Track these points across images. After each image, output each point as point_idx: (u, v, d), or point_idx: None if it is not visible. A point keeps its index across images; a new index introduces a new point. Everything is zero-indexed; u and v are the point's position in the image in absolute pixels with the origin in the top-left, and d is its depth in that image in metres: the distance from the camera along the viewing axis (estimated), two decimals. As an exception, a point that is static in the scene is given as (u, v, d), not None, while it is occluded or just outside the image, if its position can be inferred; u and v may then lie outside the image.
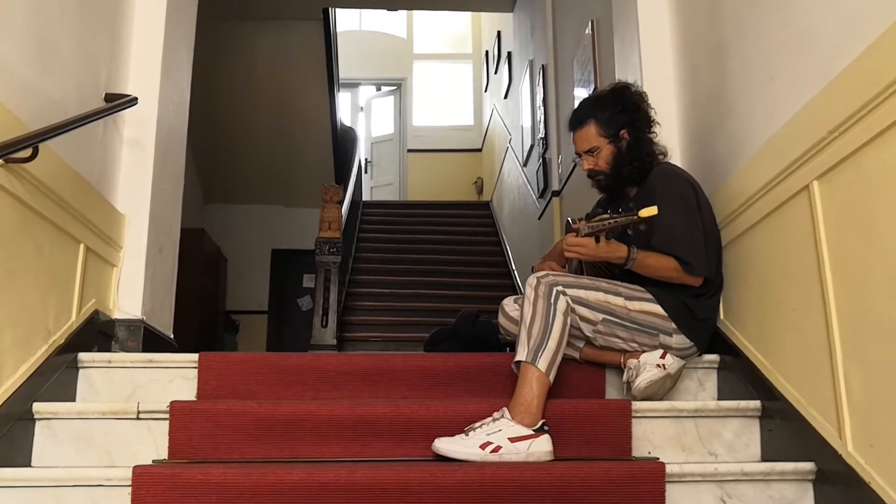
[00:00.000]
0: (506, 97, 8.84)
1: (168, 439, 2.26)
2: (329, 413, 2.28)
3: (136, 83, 3.07)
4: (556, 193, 5.61)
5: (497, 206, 9.40)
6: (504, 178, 8.82)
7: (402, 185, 11.88)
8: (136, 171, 3.03)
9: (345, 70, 9.85)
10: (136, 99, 2.85)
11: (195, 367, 2.59)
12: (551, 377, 2.30)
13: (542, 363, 2.29)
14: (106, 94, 2.82)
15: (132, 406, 2.28)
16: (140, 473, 1.93)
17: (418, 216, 9.36)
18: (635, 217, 2.31)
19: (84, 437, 2.26)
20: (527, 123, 6.97)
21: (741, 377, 2.53)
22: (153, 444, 2.27)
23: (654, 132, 2.70)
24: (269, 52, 8.18)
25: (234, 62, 8.12)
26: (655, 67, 3.18)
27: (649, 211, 2.29)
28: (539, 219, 6.22)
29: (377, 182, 12.12)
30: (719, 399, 2.65)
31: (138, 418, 2.28)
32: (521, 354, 2.32)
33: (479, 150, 11.62)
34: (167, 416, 2.27)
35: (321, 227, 5.75)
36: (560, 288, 2.42)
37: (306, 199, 8.95)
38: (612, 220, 2.34)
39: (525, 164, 7.14)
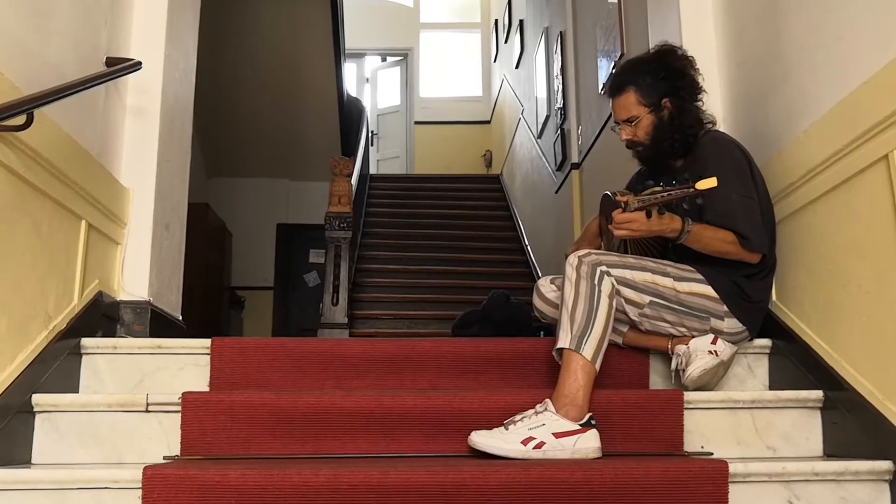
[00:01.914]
0: (517, 67, 8.59)
1: (180, 433, 2.08)
2: (354, 405, 2.09)
3: (140, 48, 2.86)
4: (576, 166, 5.39)
5: (508, 179, 9.18)
6: (516, 150, 8.59)
7: (410, 158, 11.65)
8: (141, 142, 2.82)
9: (350, 40, 9.58)
10: (139, 64, 2.63)
11: (207, 354, 2.40)
12: (597, 366, 2.11)
13: (588, 350, 2.10)
14: (107, 58, 2.60)
15: (141, 398, 2.09)
16: (151, 475, 1.74)
17: (427, 190, 9.15)
18: (692, 189, 2.10)
19: (89, 431, 2.07)
20: (542, 94, 6.73)
21: (796, 364, 2.34)
22: (164, 438, 2.08)
23: (700, 101, 2.49)
24: (273, 22, 7.92)
25: (237, 32, 7.86)
26: (696, 29, 2.95)
27: (708, 183, 2.09)
28: (556, 193, 6.00)
29: (384, 155, 11.88)
30: (771, 386, 2.47)
31: (147, 411, 2.09)
32: (564, 341, 2.12)
33: (489, 121, 11.36)
34: (179, 408, 2.09)
35: (331, 201, 5.54)
36: (604, 268, 2.23)
37: (312, 172, 8.74)
38: (665, 194, 2.13)
39: (540, 136, 6.91)
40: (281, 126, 8.74)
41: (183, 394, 2.10)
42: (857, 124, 1.98)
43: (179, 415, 2.08)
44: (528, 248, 7.37)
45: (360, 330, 5.64)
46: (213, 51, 7.47)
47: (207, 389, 2.37)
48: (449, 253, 7.15)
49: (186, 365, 2.40)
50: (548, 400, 2.06)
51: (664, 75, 2.45)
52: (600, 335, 2.13)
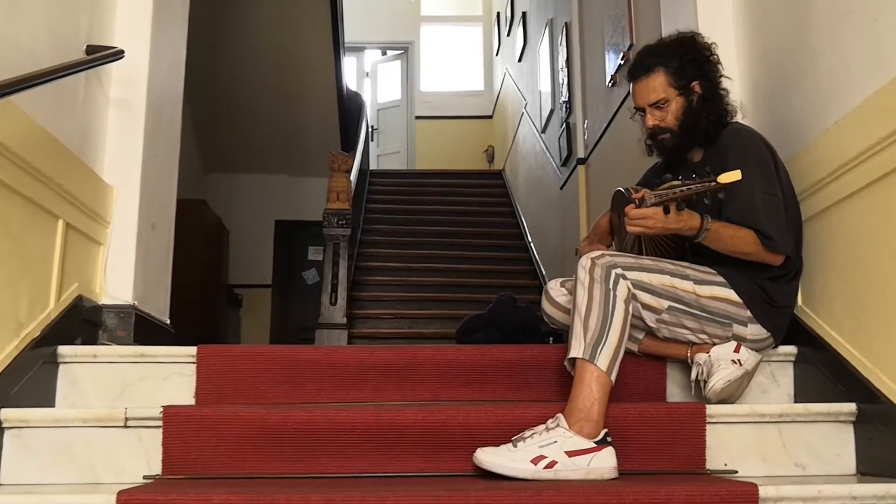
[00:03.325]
0: (520, 60, 8.41)
1: (161, 451, 1.92)
2: (350, 420, 1.93)
3: (124, 36, 2.69)
4: (582, 161, 5.22)
5: (511, 174, 9.01)
6: (518, 145, 8.42)
7: (410, 153, 11.47)
8: (125, 136, 2.66)
9: (350, 33, 9.41)
10: (122, 52, 2.47)
11: (193, 363, 2.24)
12: (613, 377, 1.95)
13: (603, 361, 1.94)
14: (87, 45, 2.44)
15: (119, 412, 1.93)
16: (126, 501, 1.58)
17: (428, 185, 8.99)
18: (714, 183, 1.93)
19: (62, 448, 1.91)
20: (546, 87, 6.56)
21: (825, 373, 2.18)
22: (144, 456, 1.92)
23: (724, 88, 2.33)
24: (272, 14, 7.76)
25: (236, 25, 7.70)
26: (714, 15, 2.79)
27: (731, 176, 1.92)
28: (561, 188, 5.83)
29: (384, 150, 11.71)
30: (796, 397, 2.31)
31: (126, 426, 1.93)
32: (577, 350, 1.96)
33: (490, 116, 11.19)
34: (160, 423, 1.93)
35: (329, 197, 5.38)
36: (619, 270, 2.06)
37: (311, 167, 8.57)
38: (685, 188, 1.96)
39: (544, 131, 6.74)
40: (279, 121, 8.58)
41: (164, 408, 1.94)
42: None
43: (161, 430, 1.93)
44: (532, 245, 7.21)
45: (359, 330, 5.48)
46: (211, 44, 7.32)
47: (193, 401, 2.22)
48: (451, 250, 6.99)
49: (171, 374, 2.25)
50: (560, 415, 1.90)
51: (692, 58, 2.29)
52: (616, 344, 1.97)
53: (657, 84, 2.26)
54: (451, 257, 6.83)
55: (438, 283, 6.36)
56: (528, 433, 1.88)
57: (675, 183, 1.99)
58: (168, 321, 2.93)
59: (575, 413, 1.88)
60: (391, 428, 1.92)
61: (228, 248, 8.44)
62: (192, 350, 2.24)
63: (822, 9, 2.20)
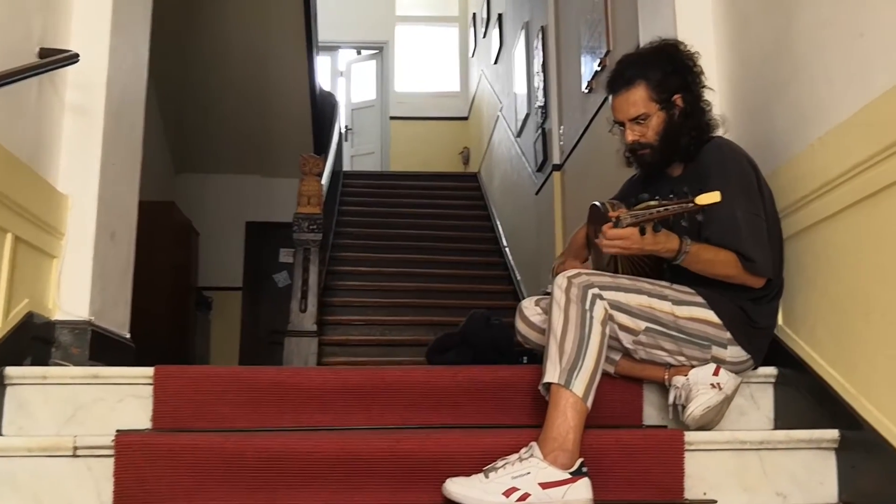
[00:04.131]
0: (496, 62, 8.34)
1: (113, 482, 1.81)
2: (314, 448, 1.84)
3: (81, 39, 2.57)
4: (558, 167, 5.15)
5: (486, 178, 8.93)
6: (494, 148, 8.34)
7: (385, 154, 11.35)
8: (81, 143, 2.54)
9: (323, 32, 9.27)
10: (76, 56, 2.35)
11: (150, 384, 2.13)
12: (589, 403, 1.87)
13: (579, 386, 1.86)
14: (41, 49, 2.32)
15: (67, 441, 1.82)
16: (69, 542, 1.48)
17: (402, 187, 8.88)
18: (691, 205, 1.86)
19: (5, 478, 1.80)
20: (521, 91, 6.48)
21: (806, 396, 2.12)
22: (94, 487, 1.81)
23: (706, 100, 2.25)
24: (243, 13, 7.62)
25: (206, 23, 7.55)
26: (693, 23, 2.72)
27: (710, 198, 1.85)
28: (537, 194, 5.76)
29: (358, 151, 11.57)
30: (776, 419, 2.25)
31: (75, 455, 1.82)
32: (552, 375, 1.88)
33: (466, 118, 11.10)
34: (112, 452, 1.82)
35: (300, 201, 5.27)
36: (596, 290, 1.98)
37: (283, 168, 8.42)
38: (661, 208, 1.89)
39: (519, 135, 6.66)
40: (251, 120, 8.44)
41: (116, 436, 1.83)
42: (884, 133, 1.76)
43: (112, 460, 1.82)
44: (507, 249, 7.13)
45: (330, 337, 5.38)
46: (181, 42, 7.16)
47: (150, 424, 2.11)
48: (425, 254, 6.89)
49: (127, 396, 2.13)
50: (534, 443, 1.81)
51: (673, 69, 2.20)
52: (592, 368, 1.89)
53: (638, 98, 2.17)
54: (425, 261, 6.74)
55: (412, 289, 6.27)
56: (500, 463, 1.80)
57: (652, 203, 1.91)
58: (128, 335, 2.81)
59: (549, 442, 1.80)
60: (357, 457, 1.83)
61: (198, 250, 8.29)
62: (149, 371, 2.13)
63: (804, 19, 2.14)
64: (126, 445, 1.82)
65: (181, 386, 2.12)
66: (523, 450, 1.81)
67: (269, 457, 1.83)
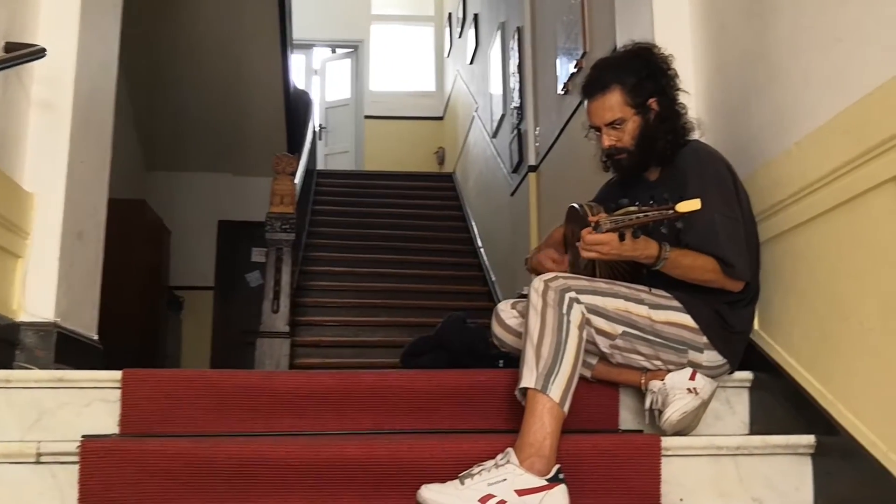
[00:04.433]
0: (471, 63, 8.31)
1: (78, 489, 1.76)
2: (286, 454, 1.80)
3: (49, 33, 2.51)
4: (533, 169, 5.14)
5: (461, 178, 8.91)
6: (469, 149, 8.32)
7: (359, 153, 11.28)
8: (48, 140, 2.48)
9: (298, 30, 9.20)
10: (43, 50, 2.28)
11: (118, 388, 2.08)
12: (566, 408, 1.85)
13: (556, 391, 1.83)
14: (6, 43, 2.26)
15: (30, 447, 1.77)
16: (31, 553, 1.43)
17: (377, 187, 8.82)
18: (672, 212, 1.84)
19: (-34, 487, 1.74)
20: (497, 91, 6.47)
21: (781, 401, 2.12)
22: (59, 495, 1.77)
23: (682, 104, 2.24)
24: (217, 9, 7.54)
25: (179, 19, 7.46)
26: (671, 26, 2.71)
27: (690, 205, 1.83)
28: (512, 195, 5.75)
29: (332, 150, 11.49)
30: (752, 424, 2.24)
31: (39, 462, 1.77)
32: (529, 380, 1.86)
33: (441, 118, 11.06)
34: (77, 458, 1.77)
35: (272, 200, 5.20)
36: (573, 294, 1.96)
37: (256, 166, 8.32)
38: (641, 215, 1.87)
39: (494, 136, 6.64)
40: (223, 118, 8.35)
41: (82, 442, 1.78)
42: (862, 139, 1.75)
43: (78, 466, 1.77)
44: (482, 250, 7.11)
45: (302, 338, 5.32)
46: (153, 38, 7.06)
47: (118, 429, 2.06)
48: (399, 255, 6.85)
49: (94, 401, 2.08)
50: (510, 449, 1.79)
51: (648, 73, 2.19)
52: (569, 373, 1.87)
53: (613, 103, 2.16)
54: (400, 262, 6.70)
55: (385, 289, 6.23)
56: (476, 469, 1.77)
57: (632, 209, 1.89)
58: (96, 337, 2.75)
59: (526, 448, 1.78)
60: (330, 464, 1.80)
61: (170, 249, 8.19)
62: (117, 374, 2.08)
63: (782, 23, 2.14)
64: (92, 452, 1.77)
65: (150, 390, 2.07)
66: (499, 456, 1.78)
67: (239, 463, 1.78)
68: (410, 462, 1.81)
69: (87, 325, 2.69)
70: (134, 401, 2.06)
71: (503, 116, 6.21)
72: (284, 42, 7.74)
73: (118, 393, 2.08)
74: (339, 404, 2.10)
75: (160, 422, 2.05)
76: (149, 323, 7.13)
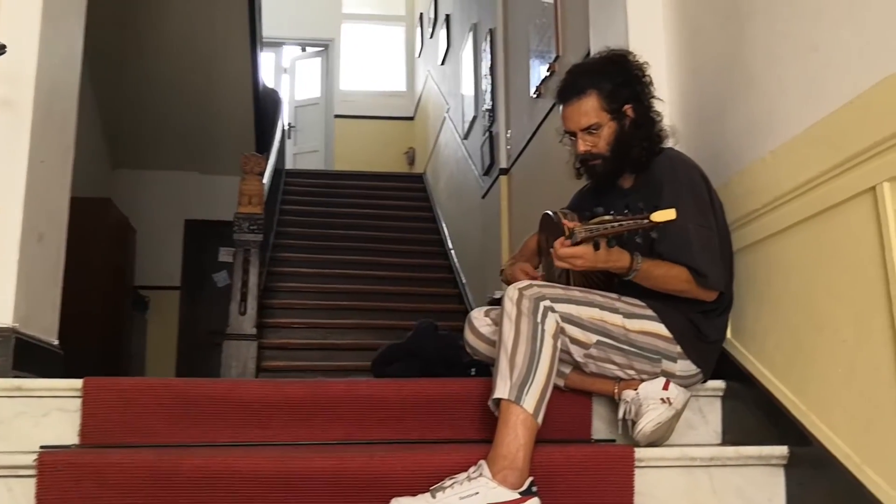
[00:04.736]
0: (443, 63, 8.28)
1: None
2: (253, 467, 1.75)
3: (9, 29, 2.42)
4: (505, 171, 5.11)
5: (432, 179, 8.87)
6: (440, 150, 8.28)
7: (329, 152, 11.20)
8: (7, 139, 2.40)
9: (268, 28, 9.11)
10: (3, 47, 2.21)
11: (78, 397, 2.01)
12: (540, 419, 1.82)
13: (529, 402, 1.80)
14: (-36, 39, 2.18)
15: (-15, 460, 1.70)
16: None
17: (346, 187, 8.75)
18: (647, 221, 1.82)
19: (-83, 501, 1.67)
20: (468, 93, 6.44)
21: (754, 410, 2.11)
22: (14, 510, 1.70)
23: (656, 111, 2.23)
24: (186, 5, 7.43)
25: (147, 14, 7.35)
26: (645, 31, 2.70)
27: (665, 215, 1.81)
28: (483, 198, 5.72)
29: (301, 149, 11.39)
30: (724, 433, 2.23)
31: (-6, 475, 1.71)
32: (502, 390, 1.82)
33: (412, 118, 11.01)
34: (34, 472, 1.70)
35: (240, 201, 5.14)
36: (548, 303, 1.94)
37: (224, 165, 8.23)
38: (616, 223, 1.84)
39: (466, 137, 6.61)
40: (192, 115, 8.24)
41: (39, 454, 1.72)
42: (838, 149, 1.74)
43: (35, 480, 1.70)
44: (452, 252, 7.08)
45: (270, 340, 5.25)
46: (121, 33, 6.95)
47: (78, 440, 1.99)
48: (368, 256, 6.79)
49: (52, 410, 2.01)
50: (483, 462, 1.75)
51: (623, 80, 2.18)
52: (544, 383, 1.84)
53: (589, 108, 2.14)
54: (369, 263, 6.64)
55: (354, 291, 6.18)
56: (448, 482, 1.74)
57: (607, 218, 1.87)
58: (56, 342, 2.67)
59: (499, 460, 1.75)
60: (299, 477, 1.75)
61: (135, 249, 8.06)
62: (77, 383, 2.02)
63: (758, 30, 2.13)
64: (50, 464, 1.71)
65: (112, 399, 2.01)
66: (472, 469, 1.75)
67: (205, 476, 1.73)
68: (382, 474, 1.77)
69: (46, 330, 2.61)
70: (95, 410, 2.00)
71: (475, 118, 6.18)
72: (254, 40, 7.66)
73: (78, 402, 2.01)
74: (309, 414, 2.05)
75: (122, 432, 1.99)
76: (113, 323, 7.01)
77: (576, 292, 2.02)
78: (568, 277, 2.21)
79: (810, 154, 1.84)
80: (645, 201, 1.88)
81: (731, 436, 2.20)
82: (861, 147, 1.66)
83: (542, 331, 1.89)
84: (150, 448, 1.91)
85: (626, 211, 1.85)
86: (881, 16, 1.64)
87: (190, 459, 1.76)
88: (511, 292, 1.95)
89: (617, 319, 2.02)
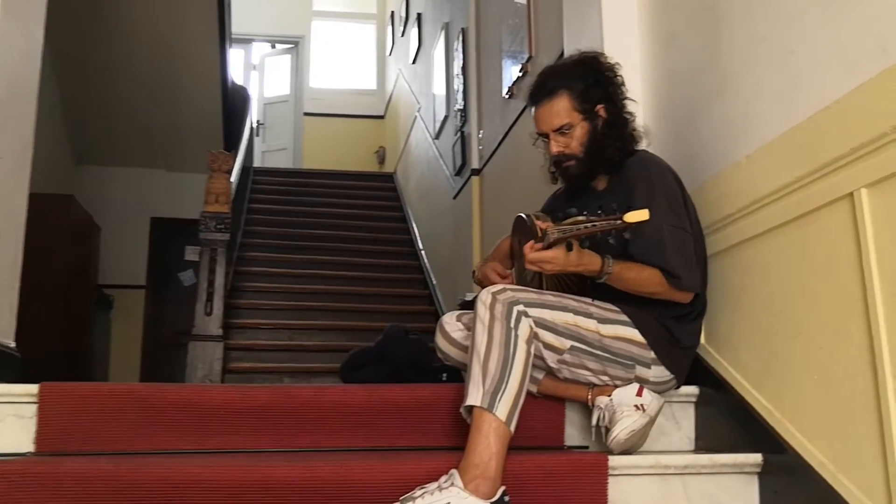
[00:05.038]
0: (414, 62, 8.23)
1: (-14, 515, 1.62)
2: (217, 477, 1.68)
3: (-34, 19, 2.34)
4: (476, 172, 5.08)
5: (402, 178, 8.81)
6: (411, 149, 8.23)
7: (297, 151, 11.08)
8: (-37, 135, 2.32)
9: (237, 24, 8.99)
10: (-42, 38, 2.13)
11: (34, 403, 1.94)
12: (513, 427, 1.77)
13: (502, 410, 1.76)
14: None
15: (-66, 470, 1.62)
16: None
17: (315, 186, 8.67)
18: (620, 222, 1.79)
19: None
20: (440, 92, 6.39)
21: (727, 416, 2.09)
22: (-35, 522, 1.62)
23: (629, 112, 2.21)
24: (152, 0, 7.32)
25: (113, 7, 7.21)
26: (620, 32, 2.67)
27: (639, 215, 1.78)
28: (454, 198, 5.68)
29: (269, 147, 11.27)
30: (697, 439, 2.21)
31: (-57, 486, 1.63)
32: (475, 398, 1.78)
33: (382, 116, 10.95)
34: (-14, 482, 1.63)
35: (207, 199, 5.05)
36: (521, 307, 1.90)
37: (191, 162, 8.12)
38: (589, 225, 1.82)
39: (437, 137, 6.57)
40: (158, 112, 8.11)
41: (-8, 463, 1.65)
42: (815, 154, 1.73)
43: (-13, 490, 1.63)
44: (423, 252, 7.03)
45: (236, 341, 5.17)
46: (86, 27, 6.81)
47: (33, 448, 1.92)
48: (337, 256, 6.73)
49: (7, 416, 1.94)
50: (454, 471, 1.71)
51: (595, 80, 2.16)
52: (517, 390, 1.80)
53: (561, 108, 2.12)
54: (338, 263, 6.57)
55: (322, 291, 6.11)
56: (418, 492, 1.69)
57: (580, 219, 1.84)
58: (13, 344, 2.58)
59: (471, 469, 1.70)
60: (265, 486, 1.69)
61: (99, 247, 7.91)
62: (33, 388, 1.94)
63: (735, 34, 2.11)
64: (3, 473, 1.63)
65: (70, 405, 1.94)
66: (443, 478, 1.70)
67: (166, 486, 1.66)
68: (351, 483, 1.72)
69: (3, 332, 2.52)
70: (52, 417, 1.93)
71: (446, 118, 6.14)
72: (223, 36, 7.55)
73: (34, 408, 1.94)
74: (276, 421, 2.00)
75: (81, 440, 1.92)
76: (76, 323, 6.86)
77: (550, 297, 1.99)
78: (541, 280, 2.18)
79: (787, 159, 1.83)
80: (619, 203, 1.86)
81: (704, 442, 2.18)
82: (839, 153, 1.64)
83: (516, 336, 1.85)
84: (109, 456, 1.85)
85: (599, 212, 1.82)
86: (859, 21, 1.62)
87: (151, 469, 1.69)
88: (484, 296, 1.91)
89: (591, 325, 1.99)
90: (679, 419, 2.22)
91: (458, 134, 5.53)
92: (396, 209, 8.34)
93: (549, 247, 1.89)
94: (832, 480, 1.68)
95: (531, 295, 1.95)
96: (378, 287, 6.37)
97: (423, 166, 7.41)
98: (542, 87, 2.17)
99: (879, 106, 1.54)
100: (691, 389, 2.21)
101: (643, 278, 1.98)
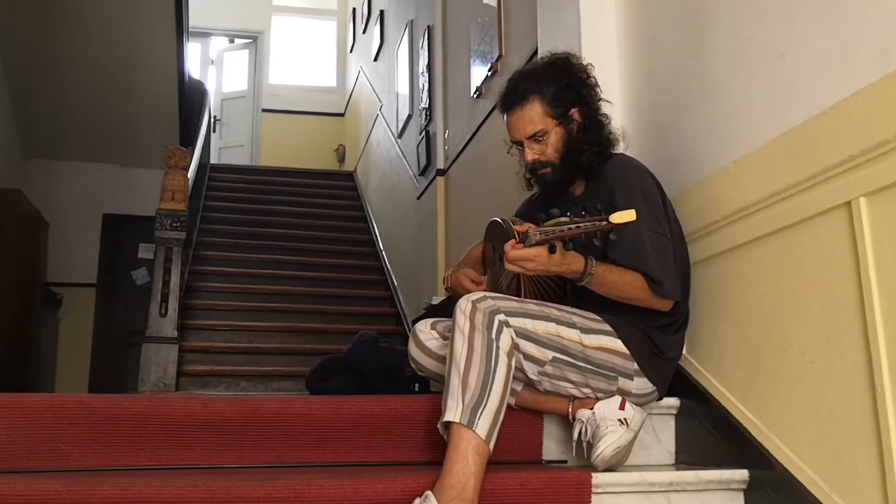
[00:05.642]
0: (376, 60, 8.10)
1: (-81, 543, 1.48)
2: (174, 497, 1.56)
3: None
4: (442, 172, 4.97)
5: (363, 177, 8.67)
6: (372, 148, 8.10)
7: (255, 147, 10.87)
8: None
9: (195, 17, 8.78)
10: None
11: (-24, 415, 1.79)
12: (492, 445, 1.68)
13: (482, 427, 1.67)
14: None
15: None
16: None
17: (274, 184, 8.49)
18: (605, 223, 1.71)
19: None
20: (404, 91, 6.28)
21: (709, 429, 2.03)
22: None
23: (605, 114, 2.13)
24: (106, -10, 7.09)
25: (63, -2, 6.99)
26: (598, 32, 2.60)
27: (625, 216, 1.70)
28: (418, 198, 5.57)
29: (227, 143, 11.03)
30: (678, 453, 2.14)
31: None
32: (454, 413, 1.68)
33: (342, 114, 10.78)
34: (-81, 505, 1.49)
35: (163, 196, 4.88)
36: (503, 317, 1.80)
37: (146, 158, 7.90)
38: (573, 225, 1.73)
39: (400, 136, 6.45)
40: (112, 105, 7.87)
41: (-73, 485, 1.50)
42: (809, 161, 1.66)
43: (-80, 514, 1.49)
44: (384, 253, 6.91)
45: (191, 343, 5.00)
46: (40, 16, 6.58)
47: (-27, 465, 1.77)
48: (297, 256, 6.58)
49: (-55, 430, 1.79)
50: (429, 493, 1.61)
51: (567, 83, 2.08)
52: (497, 405, 1.71)
53: (534, 115, 2.03)
54: (297, 263, 6.43)
55: (281, 292, 5.96)
56: (393, 514, 1.59)
57: (563, 220, 1.75)
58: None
59: (447, 490, 1.60)
60: (227, 508, 1.57)
61: (47, 243, 7.65)
62: (-25, 400, 1.80)
63: (721, 36, 2.04)
64: (-62, 497, 1.50)
65: (14, 418, 1.79)
66: (417, 500, 1.60)
67: (120, 508, 1.54)
68: (319, 504, 1.61)
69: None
70: (-5, 430, 1.78)
71: (410, 117, 6.03)
72: (180, 29, 7.35)
73: (-23, 421, 1.79)
74: (237, 435, 1.87)
75: (26, 456, 1.78)
76: (21, 322, 6.63)
77: (531, 305, 1.90)
78: (518, 288, 2.09)
79: (779, 165, 1.76)
80: (606, 208, 1.77)
81: (685, 455, 2.11)
82: (836, 160, 1.58)
83: (497, 347, 1.76)
84: (58, 474, 1.71)
85: (583, 213, 1.73)
86: (856, 22, 1.57)
87: (103, 488, 1.56)
88: (464, 304, 1.81)
89: (574, 335, 1.90)
90: (659, 431, 2.15)
91: (423, 133, 5.42)
92: (357, 208, 8.20)
93: (529, 248, 1.79)
94: (825, 499, 1.62)
95: (512, 303, 1.86)
96: (339, 288, 6.25)
97: (384, 165, 7.29)
98: (512, 94, 2.09)
99: (880, 112, 1.48)
100: (672, 401, 2.14)
101: (626, 282, 1.90)
